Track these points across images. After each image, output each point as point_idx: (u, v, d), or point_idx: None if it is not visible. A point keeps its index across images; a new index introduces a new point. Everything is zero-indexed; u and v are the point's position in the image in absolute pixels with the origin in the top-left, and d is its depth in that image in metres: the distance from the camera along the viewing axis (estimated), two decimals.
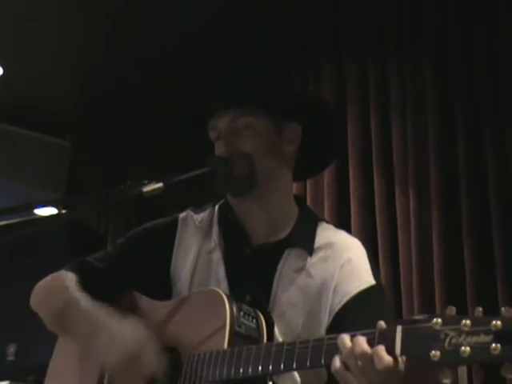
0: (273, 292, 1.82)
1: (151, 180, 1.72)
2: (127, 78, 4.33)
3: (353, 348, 1.45)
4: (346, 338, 1.47)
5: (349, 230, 2.39)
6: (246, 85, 1.96)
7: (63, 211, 3.45)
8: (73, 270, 1.98)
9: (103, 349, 1.78)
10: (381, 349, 1.42)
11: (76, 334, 1.88)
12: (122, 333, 1.76)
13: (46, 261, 3.31)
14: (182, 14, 3.78)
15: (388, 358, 1.41)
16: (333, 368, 1.49)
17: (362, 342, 1.45)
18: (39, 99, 4.66)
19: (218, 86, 2.08)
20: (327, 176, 3.60)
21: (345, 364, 1.47)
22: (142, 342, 1.74)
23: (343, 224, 3.34)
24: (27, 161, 4.99)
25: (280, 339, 1.77)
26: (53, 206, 2.30)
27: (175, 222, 1.99)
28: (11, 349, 3.47)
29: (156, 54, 4.09)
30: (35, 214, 3.87)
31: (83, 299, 1.88)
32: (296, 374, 1.77)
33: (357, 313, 1.74)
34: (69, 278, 1.95)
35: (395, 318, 2.16)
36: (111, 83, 4.38)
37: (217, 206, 1.98)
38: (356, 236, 1.99)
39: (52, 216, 2.83)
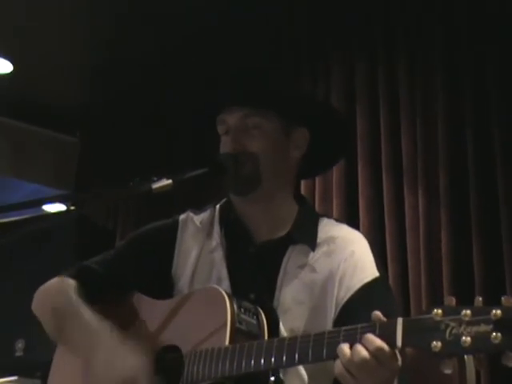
0: (277, 289, 1.83)
1: (160, 177, 1.73)
2: (137, 76, 4.33)
3: (352, 356, 1.46)
4: (344, 348, 1.48)
5: (357, 228, 2.39)
6: (259, 84, 1.96)
7: (72, 208, 3.47)
8: (73, 276, 1.99)
9: (101, 366, 1.78)
10: (379, 344, 1.43)
11: (74, 346, 1.88)
12: (120, 355, 1.77)
13: (54, 257, 3.33)
14: (195, 9, 3.79)
15: (390, 352, 1.43)
16: (336, 371, 1.50)
17: (360, 350, 1.46)
18: (48, 96, 4.67)
19: (232, 81, 2.07)
20: (336, 175, 3.60)
21: (347, 370, 1.48)
22: (138, 369, 1.74)
23: (352, 223, 3.30)
24: (36, 157, 5.00)
25: (285, 335, 1.76)
26: (61, 202, 2.31)
27: (175, 224, 1.99)
28: (19, 344, 3.48)
29: (168, 49, 4.10)
30: (44, 211, 3.89)
31: (82, 309, 1.89)
32: (303, 371, 1.77)
33: (363, 305, 1.74)
34: (69, 285, 1.96)
35: (402, 312, 2.15)
36: (121, 81, 4.39)
37: (218, 206, 1.98)
38: (364, 235, 1.98)
39: (61, 212, 2.84)
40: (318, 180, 3.67)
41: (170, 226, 2.00)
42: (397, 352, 1.44)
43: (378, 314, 1.48)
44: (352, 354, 1.46)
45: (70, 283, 1.96)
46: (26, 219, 3.46)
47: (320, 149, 1.96)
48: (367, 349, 1.45)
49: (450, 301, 1.33)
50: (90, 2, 3.79)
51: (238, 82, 2.03)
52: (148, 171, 1.83)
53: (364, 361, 1.44)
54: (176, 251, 1.95)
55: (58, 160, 5.06)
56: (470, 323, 1.28)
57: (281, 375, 1.73)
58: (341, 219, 3.36)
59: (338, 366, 1.49)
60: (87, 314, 1.88)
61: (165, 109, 4.48)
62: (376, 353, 1.44)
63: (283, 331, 1.78)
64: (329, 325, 1.77)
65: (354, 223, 3.38)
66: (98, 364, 1.79)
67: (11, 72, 4.37)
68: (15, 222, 3.55)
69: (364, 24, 3.72)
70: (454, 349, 1.29)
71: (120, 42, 4.10)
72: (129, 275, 1.98)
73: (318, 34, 3.88)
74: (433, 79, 3.38)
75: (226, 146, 1.89)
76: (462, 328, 1.28)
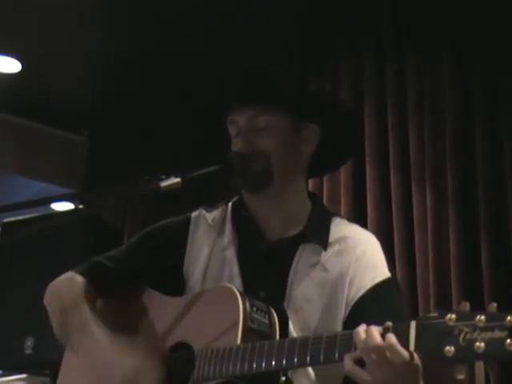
0: (288, 287, 1.82)
1: (169, 175, 1.73)
2: (145, 74, 4.34)
3: (367, 340, 1.46)
4: (361, 331, 1.48)
5: (365, 227, 2.39)
6: (267, 83, 1.95)
7: (80, 206, 3.47)
8: (83, 273, 1.99)
9: (103, 366, 1.81)
10: (394, 341, 1.42)
11: (76, 347, 1.90)
12: (123, 358, 1.79)
13: (63, 255, 3.32)
14: (201, 9, 3.80)
15: (404, 351, 1.42)
16: (345, 368, 1.50)
17: (375, 333, 1.46)
18: (57, 95, 4.68)
19: (240, 81, 2.07)
20: (344, 173, 3.60)
21: (359, 360, 1.48)
22: (142, 373, 1.76)
23: (359, 220, 3.31)
24: (44, 156, 5.02)
25: (295, 335, 1.76)
26: (69, 200, 2.31)
27: (188, 221, 1.99)
28: (29, 342, 3.48)
29: (176, 48, 4.10)
30: (52, 209, 3.90)
31: (84, 311, 1.91)
32: (311, 370, 1.76)
33: (373, 305, 1.74)
34: (77, 283, 1.97)
35: (411, 312, 2.17)
36: (129, 79, 4.40)
37: (230, 204, 1.98)
38: (372, 232, 1.98)
39: (69, 211, 2.86)
40: (325, 179, 3.67)
41: (182, 223, 1.99)
42: (415, 357, 1.44)
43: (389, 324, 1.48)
44: (367, 337, 1.46)
45: (79, 281, 1.97)
46: (34, 218, 3.47)
47: (329, 146, 1.96)
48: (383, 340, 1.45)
49: (464, 306, 1.32)
50: (100, 1, 3.80)
51: (245, 81, 2.02)
52: (156, 169, 1.83)
53: (377, 346, 1.44)
54: (188, 248, 1.95)
55: (67, 159, 5.07)
56: (483, 329, 1.27)
57: (289, 375, 1.73)
58: (349, 218, 3.41)
59: (346, 361, 1.49)
60: (88, 315, 1.90)
61: (173, 108, 4.48)
62: (389, 347, 1.44)
63: (292, 330, 1.78)
64: (339, 324, 1.77)
65: (361, 222, 3.38)
66: (99, 365, 1.81)
67: (20, 71, 4.38)
68: (24, 220, 3.55)
69: (372, 22, 3.72)
70: (467, 354, 1.29)
71: (129, 41, 4.11)
72: (140, 271, 1.98)
73: (325, 32, 3.88)
74: (441, 77, 3.38)
75: (236, 146, 1.89)
76: (476, 334, 1.27)
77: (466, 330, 1.29)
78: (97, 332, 1.88)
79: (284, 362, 1.58)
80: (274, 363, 1.59)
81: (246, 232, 1.91)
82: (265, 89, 1.91)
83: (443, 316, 1.34)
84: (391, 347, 1.43)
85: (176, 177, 1.73)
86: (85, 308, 1.92)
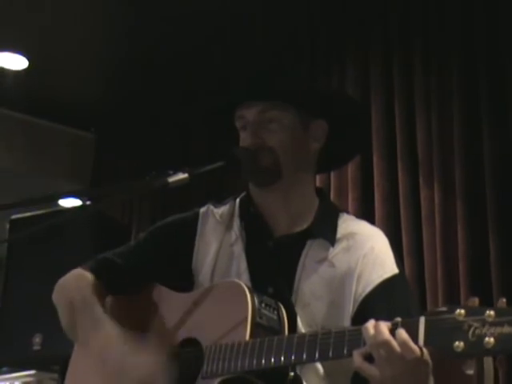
0: (295, 283, 1.82)
1: (176, 171, 1.73)
2: (153, 71, 4.35)
3: (376, 335, 1.45)
4: (369, 326, 1.47)
5: (373, 222, 2.39)
6: (276, 79, 1.96)
7: (87, 203, 3.47)
8: (92, 269, 1.99)
9: (116, 365, 1.80)
10: (404, 336, 1.42)
11: (87, 345, 1.89)
12: (132, 357, 1.78)
13: (71, 251, 3.33)
14: (209, 6, 3.80)
15: (414, 347, 1.42)
16: (355, 364, 1.49)
17: (384, 329, 1.45)
18: (64, 92, 4.69)
19: (249, 77, 2.06)
20: (351, 168, 3.60)
21: (369, 356, 1.47)
22: (156, 372, 1.75)
23: (367, 216, 3.34)
24: (52, 153, 5.03)
25: (303, 330, 1.76)
26: (77, 197, 2.30)
27: (196, 217, 1.99)
28: (37, 339, 3.48)
29: (183, 46, 4.11)
30: (60, 206, 3.90)
31: (96, 309, 1.90)
32: (319, 366, 1.76)
33: (382, 301, 1.74)
34: (86, 280, 1.97)
35: (420, 308, 2.16)
36: (137, 76, 4.41)
37: (238, 199, 1.98)
38: (380, 228, 1.98)
39: (76, 207, 2.86)
40: (333, 174, 3.67)
41: (190, 218, 1.99)
42: (425, 353, 1.43)
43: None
44: (375, 332, 1.46)
45: (88, 278, 1.97)
46: (41, 214, 3.47)
47: (338, 142, 1.95)
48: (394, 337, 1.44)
49: (473, 302, 1.32)
50: (105, 0, 3.81)
51: (254, 76, 2.02)
52: (164, 166, 1.83)
53: (386, 341, 1.44)
54: (196, 244, 1.95)
55: (74, 155, 5.08)
56: (493, 324, 1.27)
57: (297, 371, 1.73)
58: (356, 213, 3.41)
59: (356, 357, 1.49)
60: (99, 312, 1.90)
61: (179, 105, 4.49)
62: (399, 342, 1.43)
63: (301, 326, 1.78)
64: (347, 320, 1.76)
65: (369, 216, 3.39)
66: (111, 364, 1.80)
67: (26, 68, 4.39)
68: (31, 217, 3.56)
69: (378, 16, 3.72)
70: (476, 349, 1.29)
71: (135, 39, 4.12)
72: (149, 267, 1.98)
73: (332, 28, 3.88)
74: (448, 72, 3.37)
75: (245, 141, 1.89)
76: (486, 329, 1.27)
77: (475, 325, 1.29)
78: (108, 329, 1.87)
79: (293, 357, 1.58)
80: (282, 358, 1.59)
81: (254, 228, 1.91)
82: (274, 84, 1.91)
83: (452, 311, 1.33)
84: (401, 343, 1.43)
85: (184, 172, 1.73)
86: (95, 305, 1.92)
